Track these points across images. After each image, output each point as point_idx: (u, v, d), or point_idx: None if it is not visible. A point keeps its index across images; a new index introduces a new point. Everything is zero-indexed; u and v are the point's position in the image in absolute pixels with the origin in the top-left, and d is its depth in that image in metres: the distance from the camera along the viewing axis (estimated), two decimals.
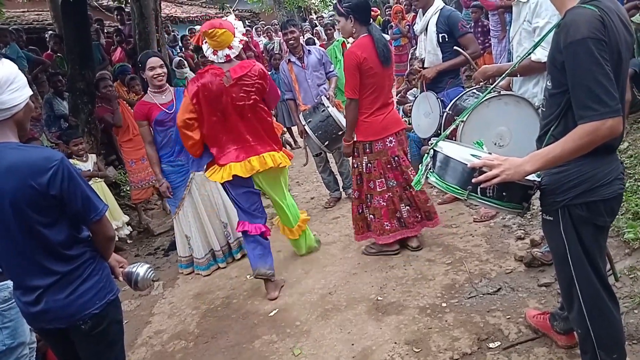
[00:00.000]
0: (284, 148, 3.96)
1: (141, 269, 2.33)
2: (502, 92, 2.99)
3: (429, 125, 4.12)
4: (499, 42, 7.55)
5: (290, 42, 5.15)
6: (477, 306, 3.09)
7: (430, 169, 2.13)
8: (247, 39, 4.94)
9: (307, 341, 3.20)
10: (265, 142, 3.72)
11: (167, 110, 4.14)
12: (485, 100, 3.00)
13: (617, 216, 3.26)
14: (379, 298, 3.44)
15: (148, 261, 5.18)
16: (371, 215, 3.91)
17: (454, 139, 3.07)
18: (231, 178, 3.63)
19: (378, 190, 3.82)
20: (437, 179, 2.10)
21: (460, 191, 2.00)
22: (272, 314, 3.60)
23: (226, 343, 3.41)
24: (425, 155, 2.17)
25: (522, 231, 3.75)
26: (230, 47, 3.46)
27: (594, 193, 1.89)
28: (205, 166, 3.80)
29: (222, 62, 3.49)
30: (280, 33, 12.17)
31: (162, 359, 3.44)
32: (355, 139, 3.85)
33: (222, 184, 3.81)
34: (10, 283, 2.36)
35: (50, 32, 8.88)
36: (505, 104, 2.96)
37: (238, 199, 3.80)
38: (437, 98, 4.00)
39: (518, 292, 3.11)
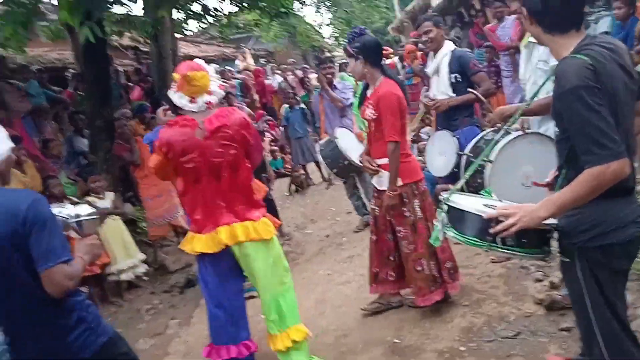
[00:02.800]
0: (267, 214, 3.23)
1: (80, 210, 2.36)
2: (526, 131, 3.02)
3: (444, 164, 4.13)
4: (511, 83, 7.62)
5: (327, 76, 5.60)
6: (496, 351, 3.04)
7: (447, 224, 2.15)
8: (227, 85, 4.93)
9: None
10: (240, 209, 3.04)
11: None
12: (511, 140, 3.03)
13: (638, 260, 3.23)
14: (396, 341, 3.39)
15: (163, 299, 5.20)
16: (435, 270, 3.48)
17: (480, 181, 3.08)
18: (197, 253, 3.05)
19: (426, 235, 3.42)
20: (455, 233, 2.11)
21: (480, 243, 2.02)
22: None
23: None
24: (439, 210, 2.19)
25: (541, 273, 3.70)
26: (209, 93, 2.97)
27: (607, 236, 1.89)
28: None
29: (202, 111, 2.95)
30: (297, 71, 12.44)
31: None
32: (401, 184, 3.43)
33: (196, 259, 3.19)
34: None
35: (71, 70, 9.13)
36: (530, 142, 2.99)
37: (212, 285, 3.06)
38: (453, 136, 4.02)
39: (538, 337, 3.06)
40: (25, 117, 6.75)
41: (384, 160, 3.49)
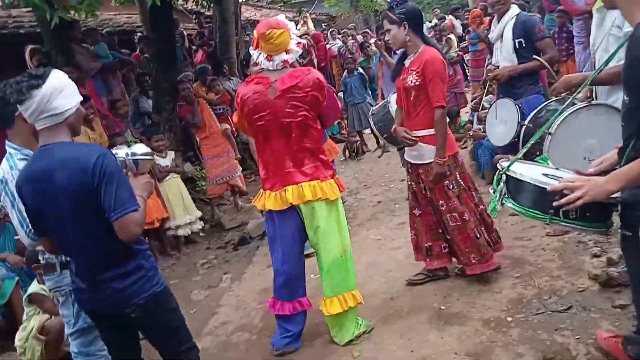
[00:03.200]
0: (336, 177, 3.29)
1: (137, 149, 2.49)
2: (592, 102, 2.87)
3: (504, 134, 3.99)
4: (583, 49, 7.20)
5: (388, 41, 5.61)
6: (544, 323, 2.98)
7: (505, 194, 2.10)
8: (305, 42, 4.78)
9: (367, 344, 3.22)
10: (307, 168, 3.08)
11: None
12: (574, 111, 2.89)
13: None
14: (442, 307, 3.39)
15: (218, 254, 5.41)
16: (487, 234, 3.49)
17: (538, 153, 2.98)
18: (265, 209, 3.17)
19: (474, 204, 3.49)
20: (514, 204, 2.07)
21: (541, 216, 1.97)
22: None
23: None
24: (497, 179, 2.14)
25: (599, 248, 3.57)
26: (287, 51, 2.97)
27: None
28: None
29: (277, 70, 2.99)
30: (357, 36, 12.28)
31: (226, 349, 3.58)
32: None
33: (266, 214, 3.31)
34: None
35: (139, 34, 9.41)
36: (596, 114, 2.84)
37: (277, 240, 3.19)
38: (515, 105, 3.87)
39: (590, 312, 2.97)
40: (95, 78, 7.04)
41: (424, 132, 3.36)
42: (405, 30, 3.31)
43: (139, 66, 8.29)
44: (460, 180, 3.44)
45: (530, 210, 1.99)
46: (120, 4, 10.44)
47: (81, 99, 2.25)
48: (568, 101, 2.56)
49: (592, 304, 3.04)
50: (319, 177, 3.10)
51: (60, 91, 2.12)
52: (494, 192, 2.18)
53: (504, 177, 2.10)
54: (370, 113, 4.80)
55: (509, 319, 3.11)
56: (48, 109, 2.10)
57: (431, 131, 3.33)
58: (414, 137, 3.39)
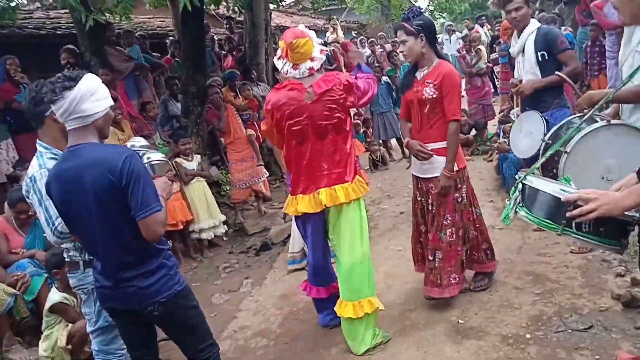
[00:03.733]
0: (360, 170, 3.49)
1: (153, 155, 2.57)
2: (611, 122, 2.83)
3: (529, 146, 3.93)
4: (615, 64, 7.06)
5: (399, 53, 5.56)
6: (564, 342, 2.94)
7: (519, 203, 2.09)
8: (333, 49, 4.85)
9: (383, 355, 3.23)
10: (340, 170, 3.19)
11: None
12: (593, 130, 2.86)
13: None
14: (460, 321, 3.37)
15: (240, 259, 5.47)
16: (475, 251, 3.59)
17: (555, 171, 2.95)
18: (299, 214, 3.27)
19: (471, 220, 3.53)
20: (527, 213, 2.06)
21: (554, 226, 1.95)
22: None
23: (304, 346, 3.52)
24: (513, 188, 2.13)
25: (623, 268, 3.50)
26: (312, 59, 3.07)
27: None
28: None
29: (304, 77, 3.09)
30: (386, 45, 12.28)
31: (244, 354, 3.62)
32: (456, 168, 3.38)
33: (295, 218, 3.49)
34: None
35: (171, 38, 9.60)
36: (616, 135, 2.79)
37: (310, 239, 3.40)
38: (542, 117, 3.82)
39: (611, 332, 2.92)
40: (127, 80, 7.22)
41: (439, 145, 3.34)
42: (421, 42, 3.29)
43: (169, 70, 8.46)
44: (464, 195, 3.46)
45: (543, 220, 1.98)
46: (154, 8, 10.68)
47: (111, 103, 2.32)
48: (585, 117, 2.52)
49: (613, 324, 2.99)
50: (350, 178, 3.22)
51: (91, 94, 2.20)
52: (508, 201, 2.17)
53: (520, 185, 2.09)
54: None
55: (528, 335, 3.08)
56: (77, 111, 2.18)
57: (444, 144, 3.34)
58: (428, 150, 3.36)
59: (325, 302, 3.55)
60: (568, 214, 1.86)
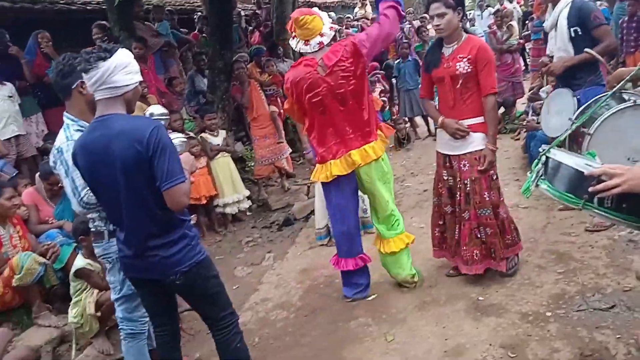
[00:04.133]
0: (381, 124, 3.66)
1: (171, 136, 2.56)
2: (638, 102, 2.74)
3: (560, 125, 3.83)
4: None
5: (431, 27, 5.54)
6: (585, 320, 2.91)
7: (541, 176, 2.05)
8: (337, 27, 4.89)
9: (402, 329, 3.24)
10: (365, 130, 3.40)
11: None
12: (620, 109, 2.78)
13: None
14: (480, 298, 3.36)
15: (263, 234, 5.54)
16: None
17: (579, 151, 2.88)
18: (333, 177, 3.42)
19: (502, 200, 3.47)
20: (549, 186, 2.02)
21: (575, 200, 1.91)
22: (371, 298, 3.68)
23: (324, 319, 3.56)
24: (536, 161, 2.09)
25: None
26: (322, 34, 3.28)
27: None
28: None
29: (315, 51, 3.29)
30: (414, 22, 12.06)
31: (264, 325, 3.68)
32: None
33: (323, 187, 3.61)
34: None
35: (199, 13, 9.61)
36: None
37: (338, 206, 3.54)
38: (574, 96, 3.70)
39: (634, 312, 2.87)
40: (155, 56, 7.27)
41: (473, 120, 3.29)
42: (458, 16, 3.24)
43: (197, 45, 8.49)
44: (496, 174, 3.41)
45: (564, 193, 1.94)
46: None
47: (141, 79, 2.39)
48: (608, 95, 2.43)
49: (637, 304, 2.94)
50: (375, 137, 3.44)
51: (123, 67, 2.27)
52: (530, 173, 2.13)
53: (543, 158, 2.05)
54: None
55: (548, 313, 3.05)
56: (109, 82, 2.24)
57: (480, 119, 3.29)
58: (466, 128, 3.29)
59: (352, 275, 3.64)
60: (591, 189, 1.81)
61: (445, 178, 3.49)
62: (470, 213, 3.36)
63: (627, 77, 2.32)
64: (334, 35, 3.41)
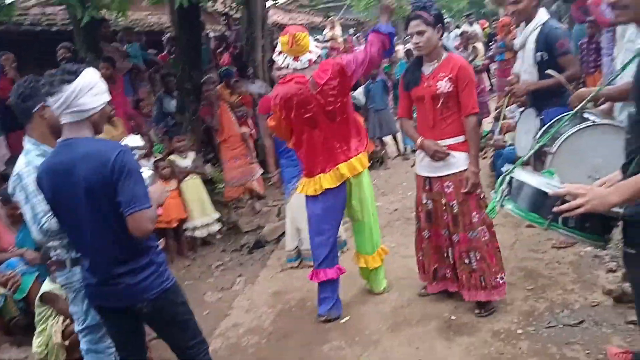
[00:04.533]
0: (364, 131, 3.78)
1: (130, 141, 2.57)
2: (597, 122, 2.83)
3: (528, 144, 3.90)
4: (610, 62, 7.05)
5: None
6: (555, 337, 2.94)
7: (506, 196, 2.08)
8: (322, 45, 5.02)
9: (375, 351, 3.22)
10: (352, 144, 3.51)
11: None
12: (579, 130, 2.86)
13: None
14: (452, 317, 3.37)
15: (233, 257, 5.46)
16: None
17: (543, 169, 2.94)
18: (322, 191, 3.48)
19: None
20: (514, 206, 2.04)
21: (540, 220, 1.93)
22: (343, 320, 3.65)
23: (297, 343, 3.50)
24: (499, 181, 2.12)
25: (615, 263, 3.50)
26: (310, 51, 3.38)
27: None
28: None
29: (305, 68, 3.37)
30: None
31: (235, 352, 3.60)
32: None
33: (308, 200, 3.63)
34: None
35: (167, 34, 9.57)
36: (603, 133, 2.79)
37: (321, 218, 3.57)
38: (538, 116, 3.77)
39: (602, 327, 2.92)
40: (124, 77, 7.19)
41: (454, 140, 3.22)
42: (438, 34, 3.18)
43: (166, 67, 8.43)
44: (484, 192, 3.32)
45: (529, 213, 1.96)
46: (151, 4, 10.64)
47: (109, 98, 2.31)
48: (569, 115, 2.49)
49: (604, 319, 3.00)
50: (362, 147, 3.58)
51: (89, 89, 2.19)
52: (494, 193, 2.15)
53: (507, 178, 2.08)
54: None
55: (519, 331, 3.08)
56: (75, 105, 2.17)
57: (461, 138, 3.23)
58: (445, 150, 3.22)
59: (326, 288, 3.67)
60: (555, 209, 1.84)
61: (424, 202, 3.40)
62: (459, 236, 3.26)
63: (588, 98, 2.38)
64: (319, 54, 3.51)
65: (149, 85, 7.97)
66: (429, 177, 3.35)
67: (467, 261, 3.26)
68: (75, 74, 2.17)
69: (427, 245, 3.48)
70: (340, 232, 4.73)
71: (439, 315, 3.43)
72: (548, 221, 1.90)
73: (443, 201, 3.29)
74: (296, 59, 3.36)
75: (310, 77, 3.34)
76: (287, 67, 3.40)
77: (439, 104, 3.20)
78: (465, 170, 3.20)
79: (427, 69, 3.26)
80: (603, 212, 1.80)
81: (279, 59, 3.42)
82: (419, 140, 3.33)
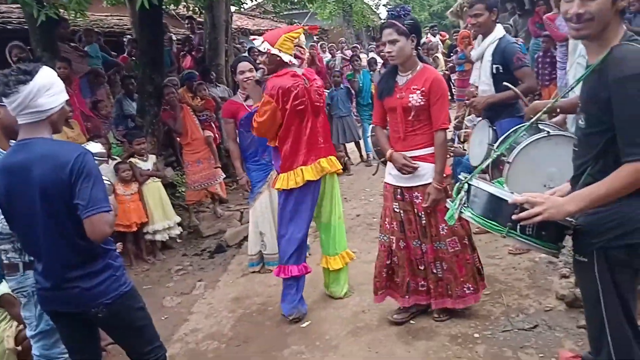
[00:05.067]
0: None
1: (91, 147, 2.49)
2: (551, 133, 2.93)
3: (479, 154, 4.05)
4: (565, 75, 7.35)
5: (382, 54, 5.58)
6: (510, 341, 3.02)
7: (464, 203, 2.11)
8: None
9: (335, 356, 3.23)
10: (329, 144, 3.81)
11: (252, 112, 4.13)
12: (534, 140, 2.96)
13: None
14: (412, 322, 3.41)
15: (193, 262, 5.38)
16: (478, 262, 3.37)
17: (501, 177, 3.02)
18: (303, 183, 3.58)
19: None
20: (473, 214, 2.07)
21: (499, 228, 1.97)
22: (304, 325, 3.65)
23: (257, 348, 3.48)
24: (456, 188, 2.16)
25: (568, 269, 3.62)
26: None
27: (632, 235, 1.83)
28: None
29: (295, 66, 3.63)
30: (346, 51, 12.38)
31: (194, 357, 3.54)
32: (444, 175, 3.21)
33: (282, 194, 3.68)
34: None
35: (128, 36, 9.40)
36: (556, 144, 2.90)
37: (294, 214, 3.66)
38: (489, 127, 3.91)
39: (555, 332, 3.02)
40: (82, 79, 7.00)
41: (423, 151, 3.15)
42: (412, 44, 3.07)
43: (126, 69, 8.27)
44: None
45: (488, 221, 2.00)
46: (111, 5, 10.43)
47: (67, 97, 2.25)
48: (525, 126, 2.58)
49: (557, 323, 3.09)
50: (333, 153, 3.85)
51: (47, 89, 2.12)
52: (452, 202, 2.19)
53: (465, 186, 2.12)
54: (370, 133, 4.64)
55: (476, 335, 3.14)
56: (32, 106, 2.10)
57: (430, 150, 3.15)
58: (414, 164, 3.15)
59: (292, 286, 3.72)
60: (514, 217, 1.89)
61: (397, 210, 3.29)
62: (427, 247, 3.22)
63: (543, 110, 2.46)
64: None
65: (109, 87, 7.79)
66: (400, 187, 3.27)
67: (434, 271, 3.24)
68: (32, 75, 2.10)
69: (402, 256, 3.32)
70: None
71: (399, 321, 3.46)
72: (507, 229, 1.95)
73: (414, 211, 3.24)
74: (295, 56, 3.64)
75: (302, 74, 3.61)
76: (289, 63, 3.57)
77: (411, 116, 3.14)
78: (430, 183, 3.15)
79: (400, 80, 3.18)
80: (559, 220, 1.86)
81: (286, 57, 3.53)
82: (388, 153, 3.27)
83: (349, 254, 3.98)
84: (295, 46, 3.61)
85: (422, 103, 3.08)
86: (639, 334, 1.94)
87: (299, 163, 3.61)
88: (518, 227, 1.92)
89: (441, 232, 3.17)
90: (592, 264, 1.92)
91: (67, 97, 2.24)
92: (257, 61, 9.01)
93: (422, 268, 3.29)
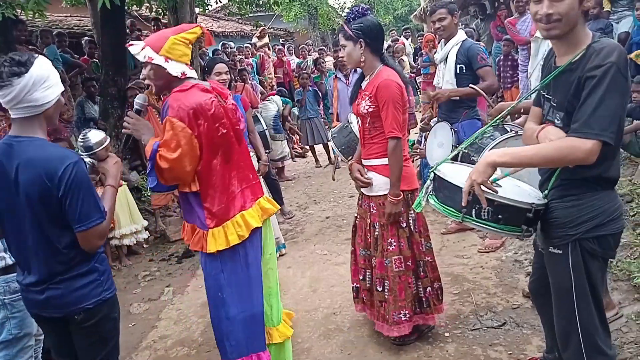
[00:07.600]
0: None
1: (92, 136, 2.48)
2: (519, 132, 3.00)
3: (442, 156, 4.10)
4: (527, 77, 7.54)
5: (339, 59, 5.50)
6: (479, 339, 3.07)
7: (431, 192, 2.17)
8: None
9: (307, 359, 3.22)
10: (257, 180, 2.80)
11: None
12: (503, 140, 3.03)
13: (629, 260, 3.23)
14: None
15: (161, 267, 5.28)
16: (429, 288, 3.09)
17: None
18: (249, 233, 2.60)
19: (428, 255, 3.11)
20: (435, 201, 2.15)
21: (455, 214, 2.04)
22: None
23: None
24: (427, 178, 2.22)
25: None
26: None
27: (605, 227, 1.93)
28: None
29: (195, 78, 2.57)
30: (314, 53, 12.40)
31: None
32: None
33: (217, 260, 2.59)
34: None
35: (87, 37, 9.17)
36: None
37: (246, 281, 2.63)
38: (451, 129, 4.01)
39: (522, 329, 3.09)
40: None
41: (378, 161, 2.98)
42: (361, 49, 2.87)
43: (87, 70, 8.07)
44: (411, 221, 3.01)
45: (447, 207, 2.06)
46: (71, 5, 10.17)
47: (62, 89, 2.11)
48: (486, 127, 2.63)
49: (525, 320, 3.16)
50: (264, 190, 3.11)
51: (43, 81, 1.99)
52: (420, 190, 2.25)
53: (431, 175, 2.17)
54: (330, 135, 4.66)
55: (447, 334, 3.18)
56: (27, 100, 1.97)
57: (384, 161, 2.95)
58: (366, 178, 3.02)
59: None
60: (463, 203, 1.95)
61: (356, 216, 3.27)
62: (377, 260, 3.04)
63: (507, 110, 2.53)
64: None
65: (70, 90, 7.59)
66: (362, 194, 3.19)
67: (379, 288, 3.04)
68: (26, 66, 1.94)
69: (365, 265, 3.20)
70: (279, 235, 4.72)
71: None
72: (462, 214, 2.00)
73: (369, 220, 3.10)
74: (191, 65, 2.57)
75: (211, 87, 2.57)
76: (187, 74, 2.50)
77: (367, 123, 3.00)
78: (385, 195, 2.94)
79: (363, 85, 3.03)
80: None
81: (169, 65, 2.44)
82: (348, 162, 3.25)
83: (289, 314, 3.11)
84: (191, 52, 2.56)
85: (370, 110, 2.91)
86: (605, 323, 2.02)
87: (237, 208, 2.59)
88: (473, 211, 1.98)
89: (389, 248, 2.98)
90: (567, 255, 1.98)
91: (62, 88, 2.11)
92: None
93: (364, 279, 3.16)
